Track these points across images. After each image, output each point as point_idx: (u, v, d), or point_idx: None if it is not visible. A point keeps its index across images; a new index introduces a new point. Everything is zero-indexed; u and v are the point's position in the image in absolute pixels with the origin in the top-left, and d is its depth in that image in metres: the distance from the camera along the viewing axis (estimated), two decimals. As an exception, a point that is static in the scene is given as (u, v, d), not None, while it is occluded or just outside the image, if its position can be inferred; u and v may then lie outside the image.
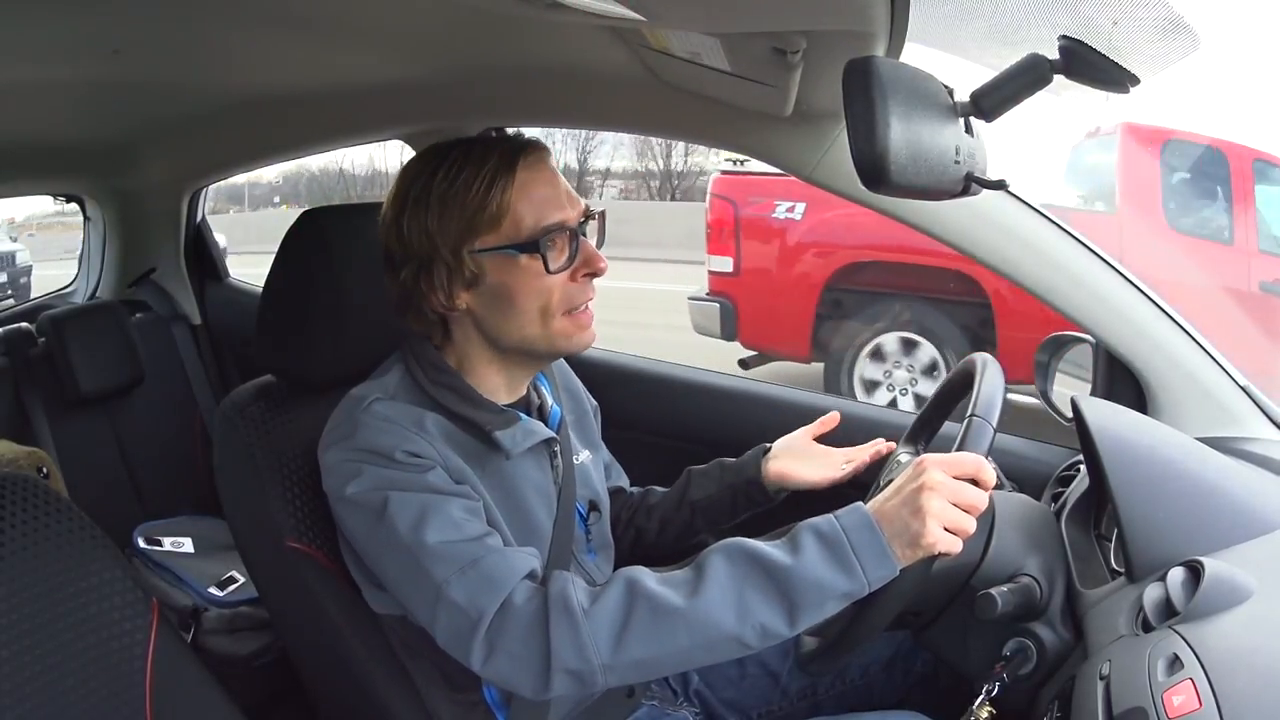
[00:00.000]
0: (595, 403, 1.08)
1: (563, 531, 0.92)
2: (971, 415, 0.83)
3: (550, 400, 0.96)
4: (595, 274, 0.86)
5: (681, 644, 0.74)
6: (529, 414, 0.91)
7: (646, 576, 0.76)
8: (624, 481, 1.13)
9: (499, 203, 0.82)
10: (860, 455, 1.02)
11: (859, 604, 0.76)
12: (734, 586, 0.74)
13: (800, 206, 3.61)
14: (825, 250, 3.63)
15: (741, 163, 3.88)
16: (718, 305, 3.75)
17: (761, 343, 3.82)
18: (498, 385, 0.90)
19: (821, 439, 1.06)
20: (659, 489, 1.11)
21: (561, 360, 1.04)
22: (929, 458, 0.76)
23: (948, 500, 0.74)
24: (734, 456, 1.08)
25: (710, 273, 3.80)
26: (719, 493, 1.04)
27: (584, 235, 0.86)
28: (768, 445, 1.06)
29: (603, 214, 0.89)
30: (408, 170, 0.86)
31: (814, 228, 3.64)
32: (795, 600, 0.73)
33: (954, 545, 0.74)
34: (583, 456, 0.99)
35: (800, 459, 1.03)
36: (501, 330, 0.86)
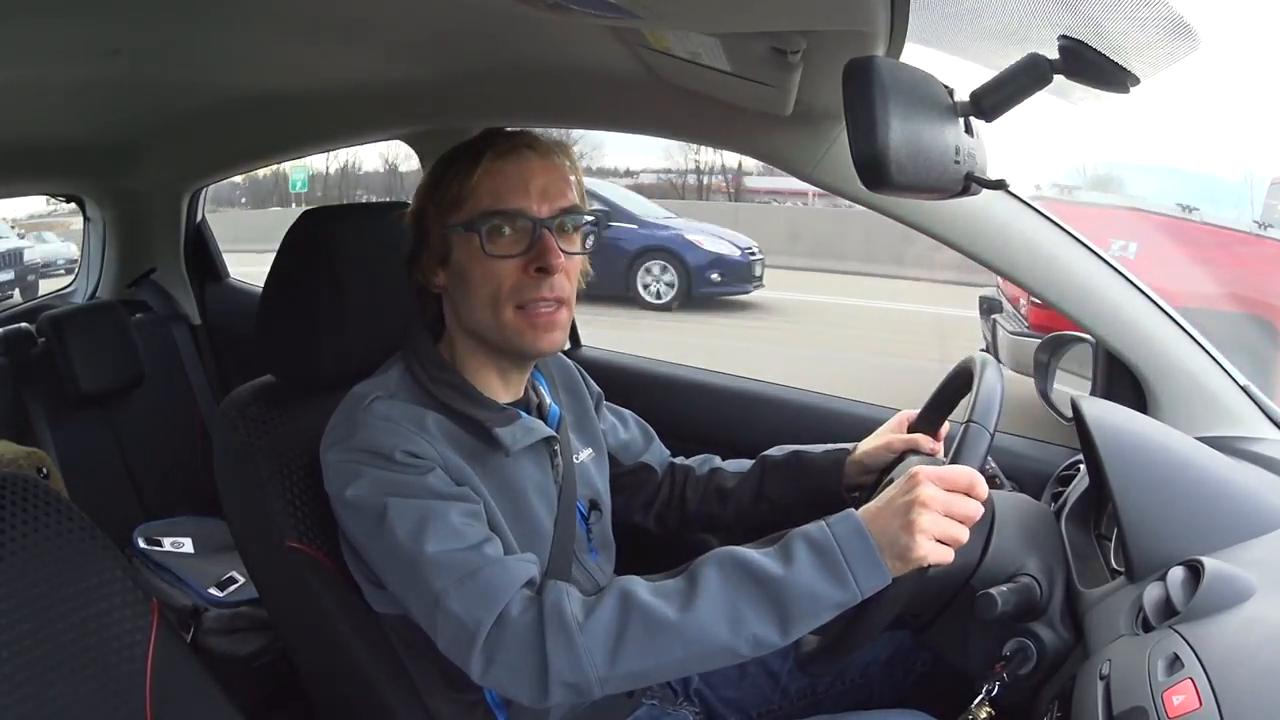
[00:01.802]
0: (599, 389, 1.08)
1: (563, 531, 0.92)
2: (969, 421, 0.83)
3: (549, 399, 0.97)
4: (545, 269, 0.84)
5: (676, 655, 0.74)
6: (528, 413, 0.91)
7: (640, 588, 0.77)
8: (653, 457, 1.10)
9: (465, 183, 0.85)
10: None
11: (855, 608, 0.76)
12: (727, 598, 0.74)
13: (1133, 246, 3.35)
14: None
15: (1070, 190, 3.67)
16: None
17: None
18: (494, 383, 0.90)
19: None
20: (728, 469, 1.09)
21: (561, 356, 1.04)
22: (922, 470, 0.76)
23: (939, 514, 0.74)
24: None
25: (1033, 305, 3.39)
26: (799, 497, 1.03)
27: (549, 230, 0.84)
28: (849, 448, 1.03)
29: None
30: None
31: (1146, 270, 3.52)
32: (788, 611, 0.74)
33: (945, 556, 0.74)
34: (583, 455, 0.99)
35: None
36: (463, 312, 0.87)
